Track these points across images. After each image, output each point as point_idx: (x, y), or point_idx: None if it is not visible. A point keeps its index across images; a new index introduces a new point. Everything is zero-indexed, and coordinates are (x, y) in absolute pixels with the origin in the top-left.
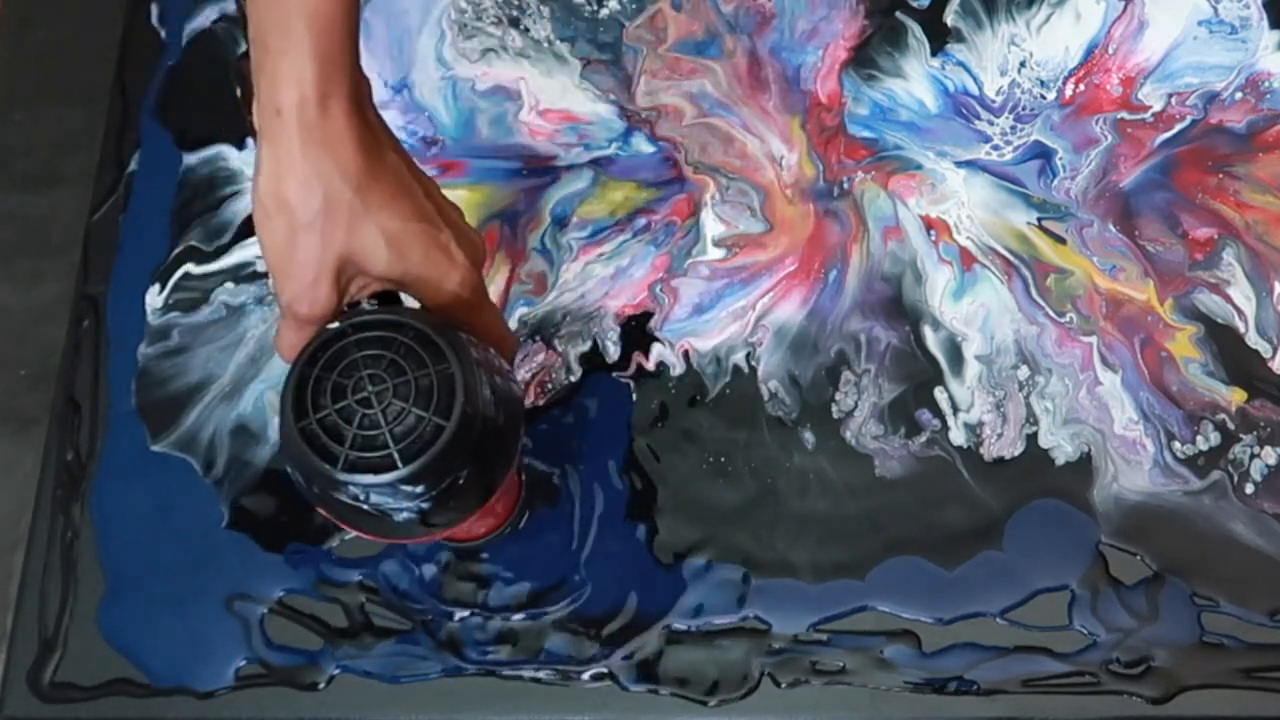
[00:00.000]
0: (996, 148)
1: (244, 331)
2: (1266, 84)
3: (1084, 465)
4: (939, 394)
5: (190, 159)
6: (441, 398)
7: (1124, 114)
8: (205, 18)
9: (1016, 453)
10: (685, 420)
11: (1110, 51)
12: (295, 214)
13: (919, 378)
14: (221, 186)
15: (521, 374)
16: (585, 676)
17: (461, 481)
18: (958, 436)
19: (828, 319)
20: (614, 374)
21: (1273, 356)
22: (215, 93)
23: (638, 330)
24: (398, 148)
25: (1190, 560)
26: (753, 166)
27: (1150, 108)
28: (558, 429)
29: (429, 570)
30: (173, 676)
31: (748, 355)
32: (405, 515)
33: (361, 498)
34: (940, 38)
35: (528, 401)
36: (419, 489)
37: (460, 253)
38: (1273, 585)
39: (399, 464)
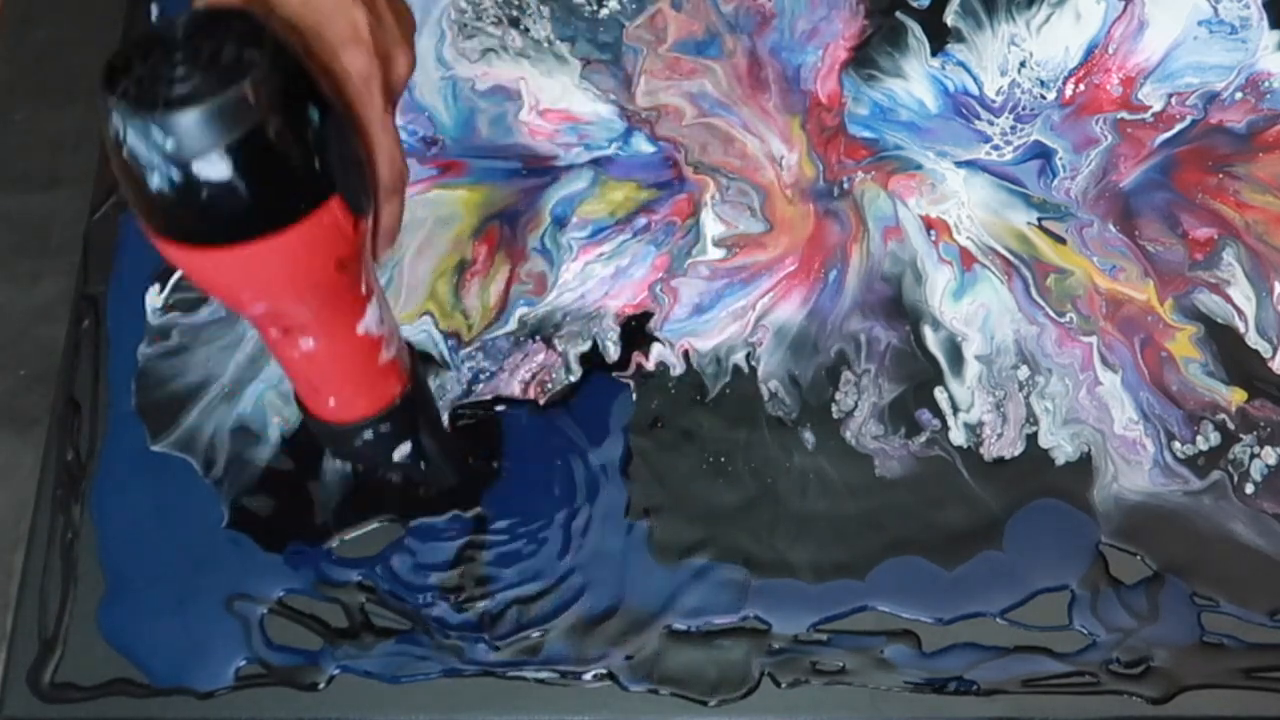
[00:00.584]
0: (996, 148)
1: (244, 331)
2: (1266, 84)
3: (1084, 465)
4: (939, 394)
5: None
6: (235, 74)
7: (1124, 114)
8: None
9: (1016, 453)
10: (685, 420)
11: (1110, 51)
12: None
13: (919, 378)
14: None
15: (521, 373)
16: (585, 676)
17: (223, 165)
18: (958, 436)
19: (828, 319)
20: (614, 374)
21: (1273, 356)
22: None
23: (638, 330)
24: None
25: (1190, 560)
26: (753, 166)
27: (1150, 108)
28: (558, 429)
29: (429, 570)
30: (173, 676)
31: (748, 355)
32: (157, 180)
33: (119, 135)
34: (940, 38)
35: (530, 397)
36: (167, 141)
37: (369, 37)
38: (1273, 585)
39: (161, 104)
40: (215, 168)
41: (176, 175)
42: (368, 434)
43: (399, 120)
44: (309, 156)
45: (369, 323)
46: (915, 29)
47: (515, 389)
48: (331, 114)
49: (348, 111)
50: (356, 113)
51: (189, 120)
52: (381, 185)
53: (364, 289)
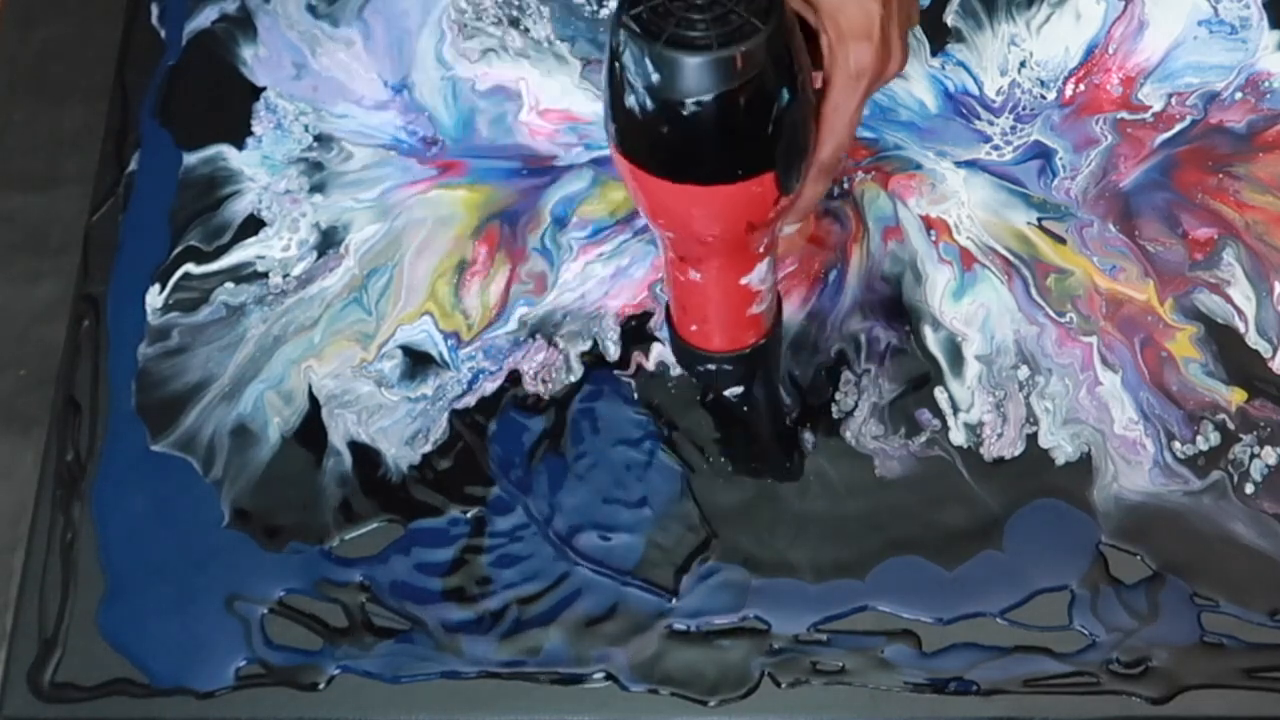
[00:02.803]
0: (996, 148)
1: (244, 331)
2: (1266, 84)
3: (1084, 465)
4: (939, 394)
5: (190, 159)
6: (736, 36)
7: (1124, 114)
8: (205, 18)
9: (1016, 453)
10: (685, 420)
11: (1110, 51)
12: None
13: (919, 378)
14: (221, 186)
15: (527, 369)
16: (585, 676)
17: (691, 113)
18: (958, 436)
19: (828, 319)
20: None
21: (1273, 356)
22: (215, 93)
23: (638, 330)
24: None
25: (1190, 560)
26: None
27: (1150, 108)
28: (558, 429)
29: (429, 570)
30: (173, 676)
31: None
32: (632, 100)
33: (618, 48)
34: (940, 38)
35: (534, 391)
36: (654, 74)
37: (879, 34)
38: (1273, 585)
39: (662, 39)
40: (684, 112)
41: (650, 105)
42: (711, 365)
43: (400, 121)
44: (762, 132)
45: (753, 277)
46: (915, 29)
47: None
48: (797, 99)
49: (824, 94)
50: (833, 99)
51: (678, 63)
52: (818, 165)
53: (761, 249)
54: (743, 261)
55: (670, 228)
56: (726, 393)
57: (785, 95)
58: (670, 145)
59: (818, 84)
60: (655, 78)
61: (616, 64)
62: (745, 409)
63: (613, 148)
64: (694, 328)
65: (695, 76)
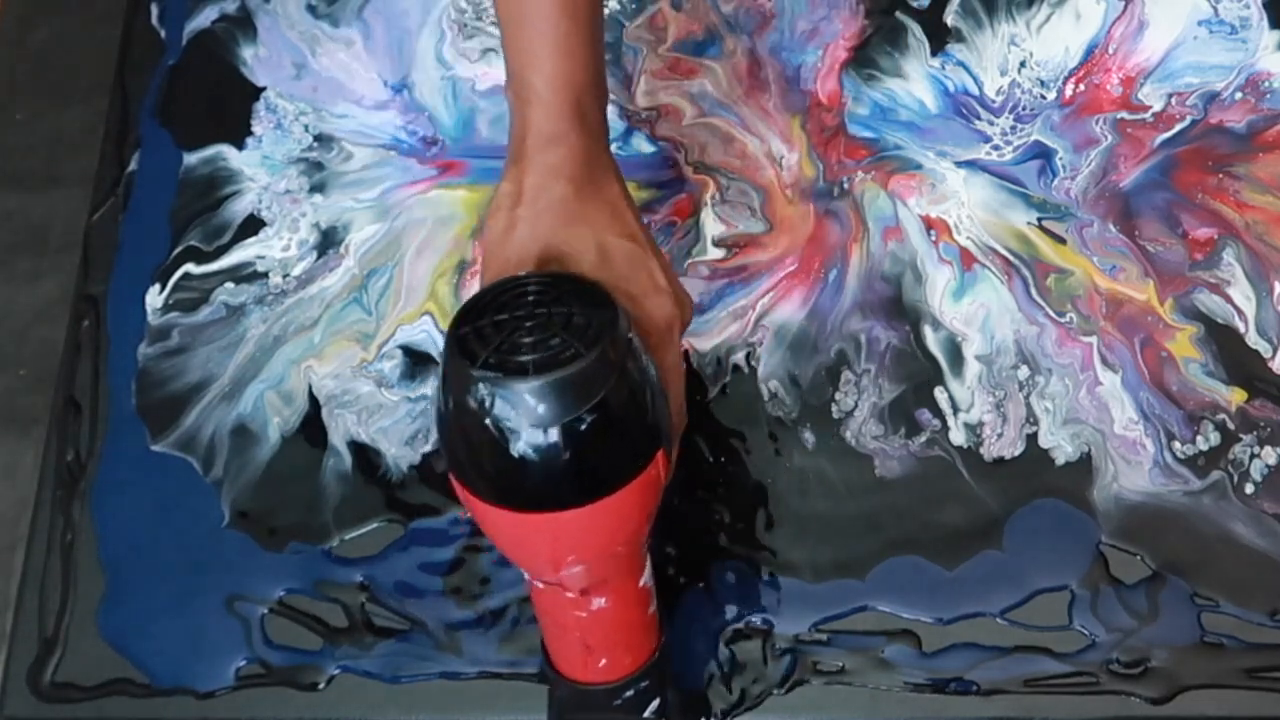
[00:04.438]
0: (996, 148)
1: (244, 331)
2: (1266, 84)
3: (1084, 465)
4: (939, 394)
5: (190, 159)
6: (590, 336)
7: (1124, 114)
8: (205, 18)
9: (1016, 453)
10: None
11: (1110, 51)
12: (523, 204)
13: (919, 378)
14: (221, 186)
15: None
16: None
17: (582, 427)
18: (958, 436)
19: (828, 319)
20: None
21: (1273, 356)
22: (215, 93)
23: None
24: (629, 198)
25: (1190, 560)
26: (753, 166)
27: (1150, 108)
28: None
29: (429, 570)
30: (173, 676)
31: (748, 355)
32: (521, 445)
33: (487, 403)
34: (940, 38)
35: None
36: (540, 407)
37: (664, 281)
38: (1273, 585)
39: (530, 370)
40: (581, 427)
41: (543, 439)
42: (629, 692)
43: (400, 121)
44: (649, 409)
45: (646, 575)
46: (915, 29)
47: None
48: (654, 364)
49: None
50: (658, 359)
51: (560, 383)
52: (673, 427)
53: (648, 539)
54: (640, 561)
55: (584, 558)
56: (647, 714)
57: (651, 371)
58: (577, 466)
59: None
60: (542, 410)
61: (487, 421)
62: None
63: (498, 512)
64: (603, 663)
65: (580, 388)
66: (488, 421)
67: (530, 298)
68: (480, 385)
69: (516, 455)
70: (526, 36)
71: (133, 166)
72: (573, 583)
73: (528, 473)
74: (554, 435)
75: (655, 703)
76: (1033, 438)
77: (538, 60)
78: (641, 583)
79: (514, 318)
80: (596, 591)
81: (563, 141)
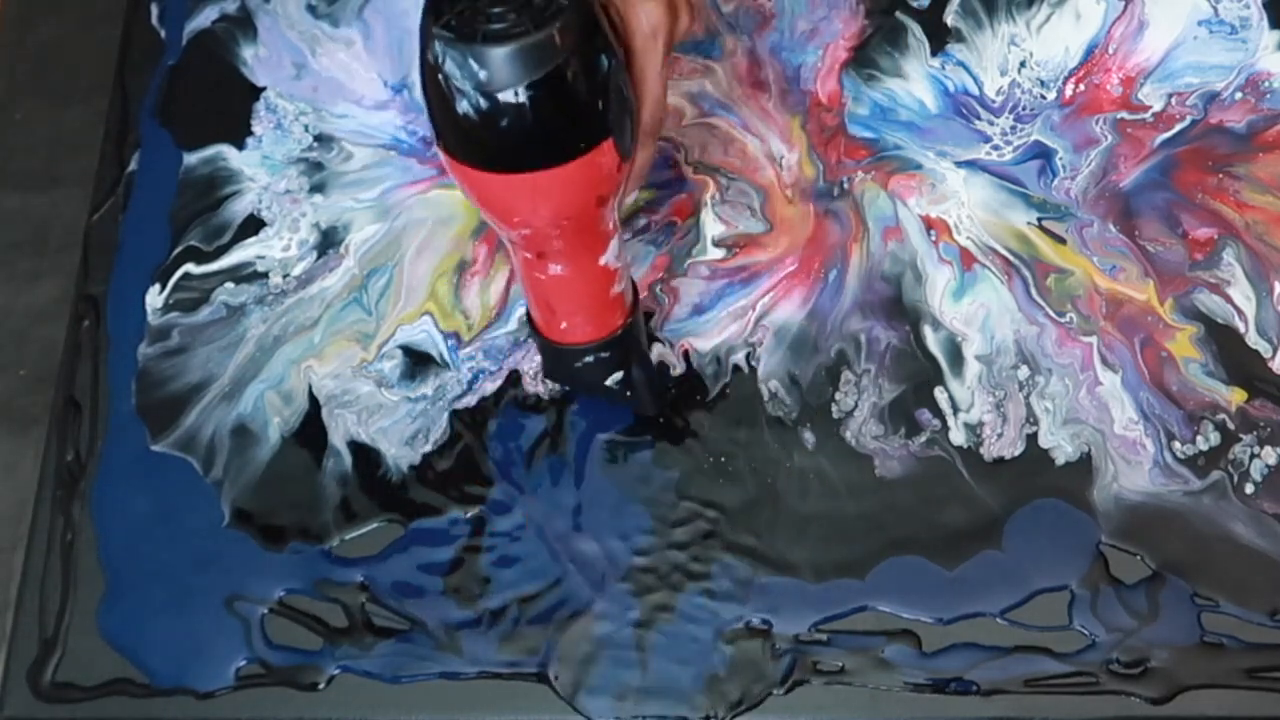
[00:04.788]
0: (996, 148)
1: (244, 331)
2: (1266, 84)
3: (1084, 465)
4: (939, 394)
5: (190, 159)
6: (544, 15)
7: (1124, 114)
8: (205, 18)
9: (1016, 453)
10: (685, 420)
11: (1110, 51)
12: None
13: (919, 378)
14: (221, 186)
15: (527, 369)
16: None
17: (518, 100)
18: (958, 436)
19: (828, 319)
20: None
21: (1273, 356)
22: (215, 93)
23: None
24: None
25: (1190, 560)
26: (753, 166)
27: (1150, 108)
28: (559, 428)
29: (429, 570)
30: (173, 676)
31: (748, 355)
32: (465, 105)
33: (439, 59)
34: (940, 38)
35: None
36: (482, 73)
37: None
38: (1273, 585)
39: (479, 38)
40: (517, 100)
41: (483, 103)
42: (589, 358)
43: (400, 120)
44: (595, 100)
45: (609, 256)
46: (915, 29)
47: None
48: (616, 62)
49: (629, 59)
50: (637, 61)
51: (501, 55)
52: (643, 129)
53: (611, 225)
54: (598, 241)
55: (526, 223)
56: (608, 382)
57: (605, 61)
58: (512, 137)
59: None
60: (483, 75)
61: (440, 75)
62: (628, 393)
63: (450, 161)
64: (564, 325)
65: (521, 63)
66: (440, 77)
67: None
68: (436, 42)
69: (460, 113)
70: None
71: (133, 166)
72: (525, 244)
73: (468, 132)
74: (490, 102)
75: (618, 375)
76: (1033, 438)
77: None
78: (603, 261)
79: None
80: (552, 258)
81: None
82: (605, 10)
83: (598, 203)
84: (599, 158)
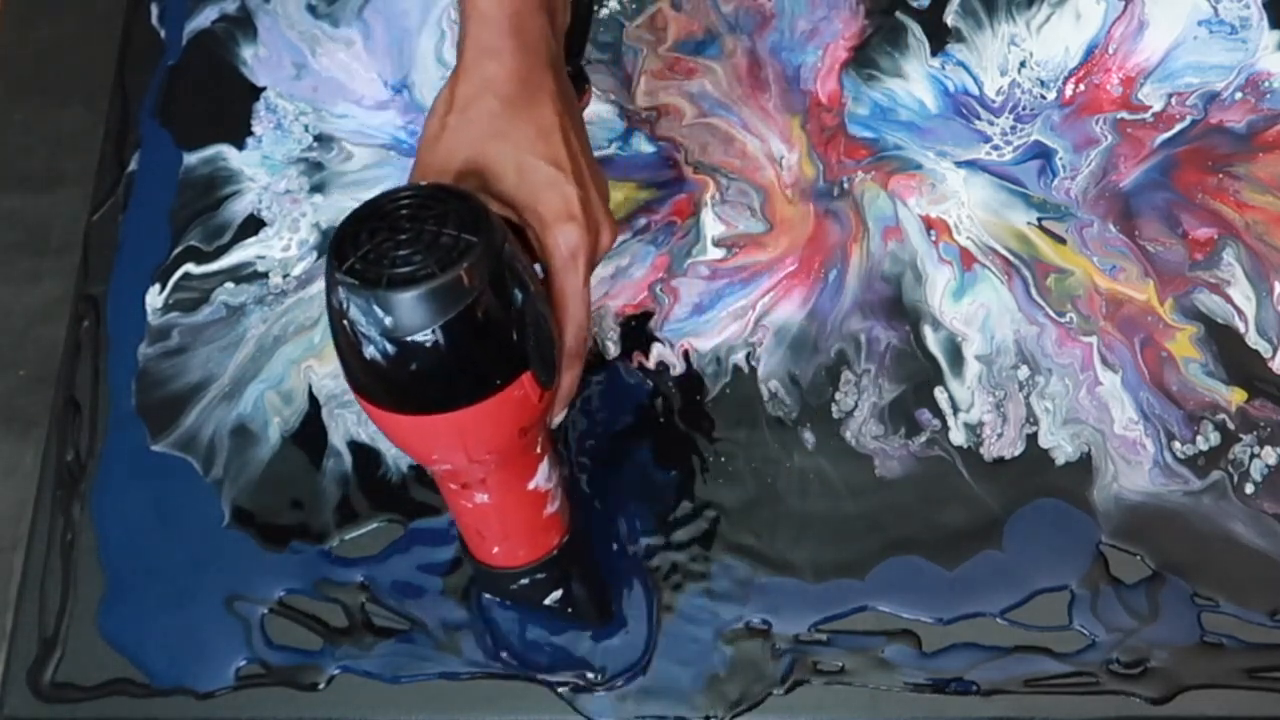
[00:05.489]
0: (996, 148)
1: (244, 331)
2: (1266, 84)
3: (1084, 465)
4: (939, 394)
5: (190, 159)
6: (449, 258)
7: (1124, 114)
8: (205, 18)
9: (1016, 453)
10: (685, 420)
11: (1110, 51)
12: (453, 112)
13: (919, 378)
14: (221, 186)
15: None
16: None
17: (427, 344)
18: (958, 436)
19: (828, 319)
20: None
21: (1273, 356)
22: (215, 93)
23: (638, 330)
24: (575, 118)
25: (1190, 560)
26: (753, 166)
27: (1150, 108)
28: (559, 428)
29: (429, 570)
30: (173, 676)
31: (748, 355)
32: (372, 350)
33: (344, 305)
34: (940, 38)
35: None
36: (388, 319)
37: (581, 213)
38: (1273, 585)
39: (383, 283)
40: (426, 344)
41: (391, 348)
42: (524, 580)
43: (400, 121)
44: (509, 335)
45: (539, 479)
46: (915, 29)
47: None
48: (531, 294)
49: (549, 283)
50: (558, 284)
51: (408, 300)
52: (566, 352)
53: (539, 449)
54: (525, 468)
55: (445, 460)
56: (546, 601)
57: (519, 295)
58: (424, 379)
59: (540, 276)
60: (389, 321)
61: (345, 321)
62: (570, 609)
63: (363, 401)
64: (496, 550)
65: (427, 307)
66: (345, 322)
67: (405, 210)
68: (340, 288)
69: (367, 358)
70: None
71: (133, 166)
72: (447, 477)
73: (376, 376)
74: (398, 347)
75: (557, 593)
76: (1033, 438)
77: None
78: (531, 486)
79: (392, 228)
80: (476, 488)
81: (497, 57)
82: (522, 235)
83: (519, 434)
84: (517, 391)
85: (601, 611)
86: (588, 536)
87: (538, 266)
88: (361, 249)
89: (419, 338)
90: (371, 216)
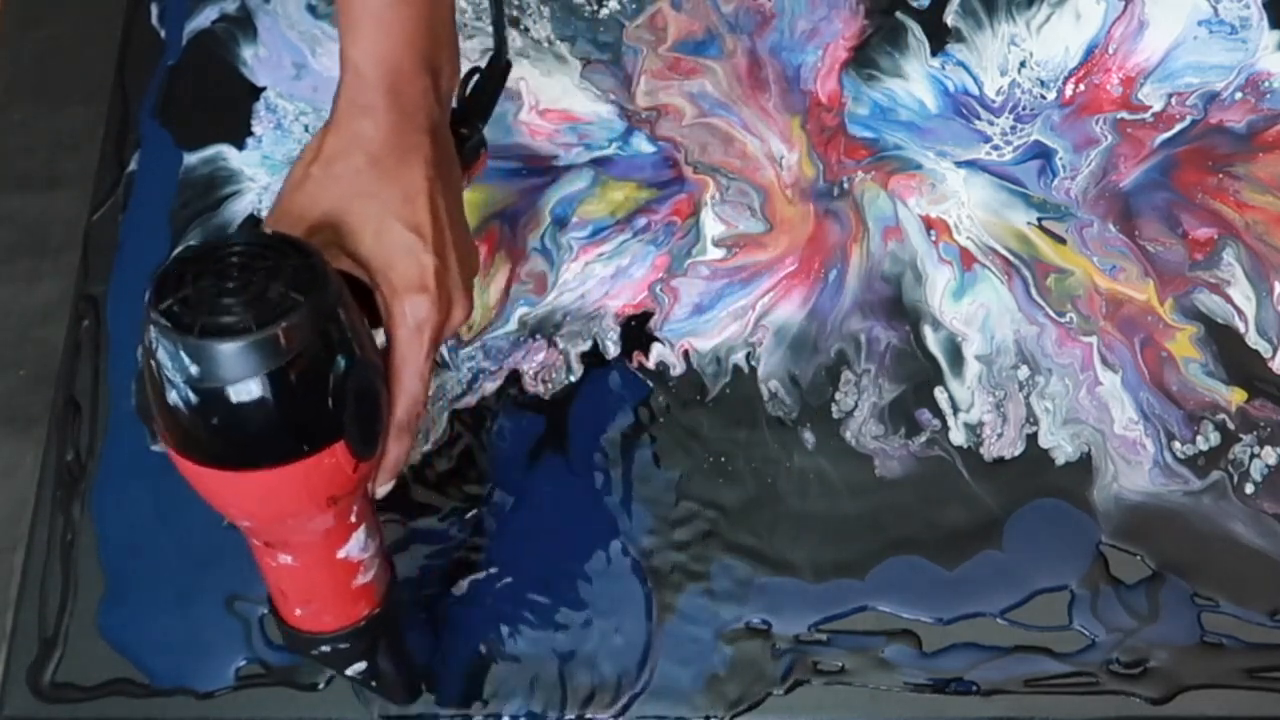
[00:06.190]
0: (996, 148)
1: None
2: (1266, 84)
3: (1084, 465)
4: (939, 394)
5: (190, 159)
6: (267, 314)
7: (1124, 114)
8: (205, 18)
9: (1016, 453)
10: (685, 420)
11: (1110, 51)
12: (318, 163)
13: (919, 378)
14: (221, 186)
15: (527, 369)
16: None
17: (231, 399)
18: (958, 436)
19: (828, 319)
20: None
21: (1273, 356)
22: (215, 93)
23: (638, 330)
24: (449, 184)
25: (1190, 560)
26: (753, 166)
27: (1150, 108)
28: (558, 428)
29: (429, 570)
30: (173, 676)
31: (748, 355)
32: (174, 396)
33: (153, 346)
34: (940, 38)
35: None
36: (193, 367)
37: (434, 285)
38: (1273, 585)
39: (195, 330)
40: (231, 399)
41: (193, 398)
42: (325, 647)
43: None
44: (323, 403)
45: (351, 549)
46: (915, 29)
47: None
48: (357, 364)
49: (389, 352)
50: (399, 355)
51: (215, 351)
52: (395, 424)
53: (353, 518)
54: (335, 536)
55: (246, 517)
56: (348, 672)
57: (341, 363)
58: (225, 435)
59: (380, 341)
60: (194, 370)
61: (152, 361)
62: (374, 682)
63: (165, 445)
64: (299, 611)
65: (236, 361)
66: (152, 362)
67: (236, 259)
68: (151, 327)
69: (170, 403)
70: (352, 8)
71: (133, 166)
72: (250, 533)
73: (177, 422)
74: (200, 397)
75: (360, 665)
76: (1033, 438)
77: (357, 33)
78: (341, 555)
79: (220, 274)
80: (279, 549)
81: (370, 115)
82: (370, 299)
83: (329, 503)
84: (329, 459)
85: (408, 690)
86: (398, 610)
87: (380, 333)
88: (182, 291)
89: (222, 392)
90: (202, 259)
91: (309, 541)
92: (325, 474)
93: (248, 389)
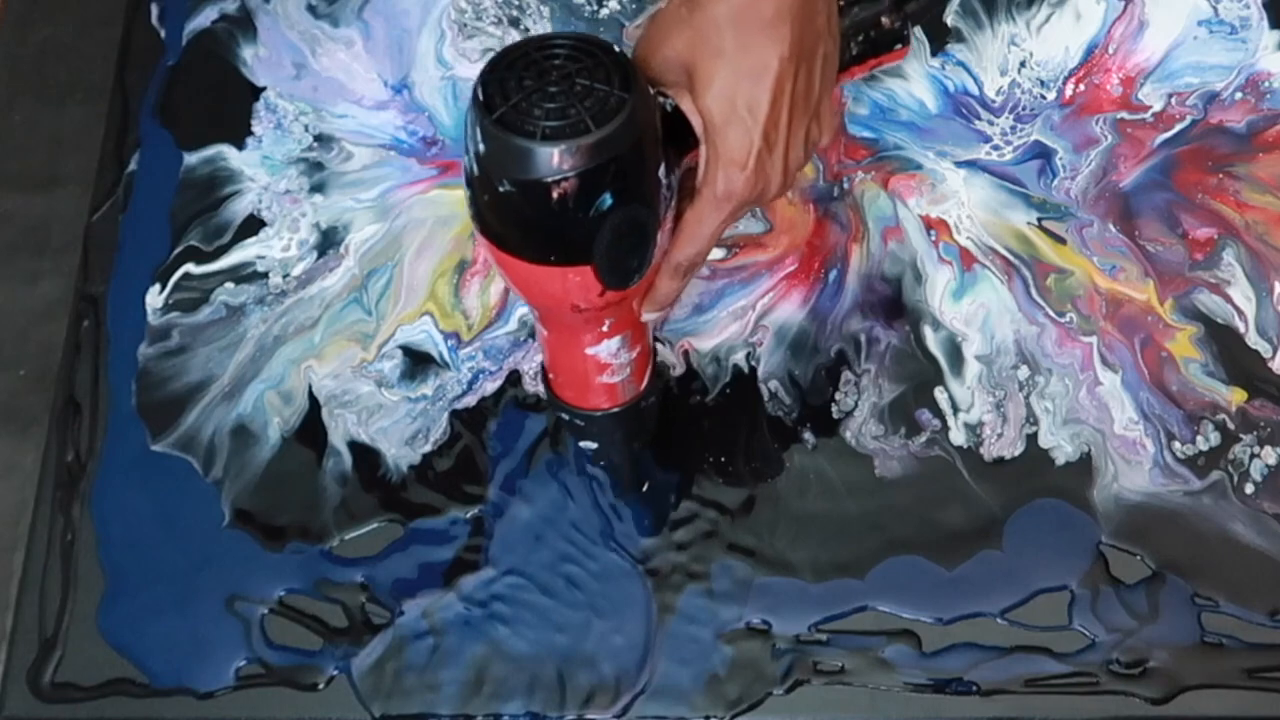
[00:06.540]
0: (996, 148)
1: (244, 331)
2: (1266, 84)
3: (1084, 465)
4: (939, 394)
5: (190, 159)
6: (593, 117)
7: (1124, 114)
8: (205, 18)
9: (1016, 453)
10: (685, 420)
11: (1110, 51)
12: (686, 4)
13: (919, 378)
14: (221, 186)
15: (526, 369)
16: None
17: (527, 195)
18: (958, 436)
19: (828, 319)
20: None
21: (1273, 356)
22: (215, 93)
23: None
24: (812, 66)
25: (1190, 560)
26: None
27: (1150, 108)
28: (559, 428)
29: (429, 570)
30: (173, 676)
31: (748, 355)
32: (501, 190)
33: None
34: (940, 38)
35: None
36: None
37: (754, 164)
38: (1273, 585)
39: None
40: (496, 187)
41: (474, 169)
42: (564, 414)
43: (400, 121)
44: (576, 228)
45: (600, 350)
46: (915, 29)
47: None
48: (627, 208)
49: (693, 200)
50: (698, 211)
51: (496, 139)
52: (671, 264)
53: (605, 329)
54: (582, 334)
55: (513, 286)
56: (581, 444)
57: (609, 200)
58: (492, 214)
59: (697, 165)
60: (480, 148)
61: (465, 127)
62: (601, 463)
63: (480, 237)
64: (552, 376)
65: (510, 158)
66: (471, 156)
67: (558, 61)
68: (478, 128)
69: (467, 176)
70: None
71: (133, 166)
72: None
73: (486, 211)
74: (508, 190)
75: (591, 444)
76: (1033, 438)
77: None
78: (590, 352)
79: (541, 78)
80: (542, 324)
81: None
82: (691, 148)
83: (573, 310)
84: (575, 276)
85: (629, 484)
86: (640, 420)
87: (696, 155)
88: (507, 88)
89: (491, 178)
90: (521, 63)
91: (559, 330)
92: (571, 287)
93: (515, 186)
